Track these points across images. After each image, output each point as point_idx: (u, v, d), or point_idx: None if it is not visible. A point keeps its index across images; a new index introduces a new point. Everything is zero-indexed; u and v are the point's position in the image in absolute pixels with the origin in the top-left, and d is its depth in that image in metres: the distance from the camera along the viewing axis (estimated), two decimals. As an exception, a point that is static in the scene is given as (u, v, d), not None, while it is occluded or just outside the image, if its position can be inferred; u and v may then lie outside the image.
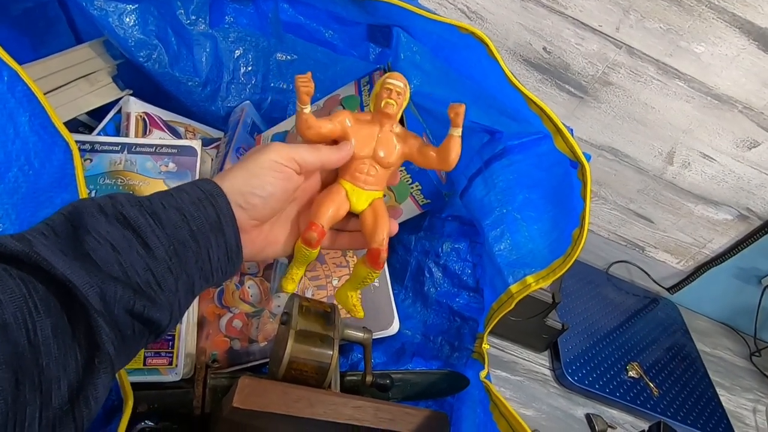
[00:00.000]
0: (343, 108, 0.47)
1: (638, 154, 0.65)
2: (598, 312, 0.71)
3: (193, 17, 0.50)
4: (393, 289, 0.57)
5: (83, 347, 0.20)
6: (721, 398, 0.68)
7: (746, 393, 0.72)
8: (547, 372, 0.60)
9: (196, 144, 0.41)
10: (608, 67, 0.58)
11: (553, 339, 0.59)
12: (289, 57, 0.56)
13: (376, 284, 0.47)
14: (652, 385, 0.61)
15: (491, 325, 0.43)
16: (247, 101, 0.57)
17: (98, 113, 0.49)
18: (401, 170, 0.48)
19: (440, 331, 0.53)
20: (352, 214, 0.33)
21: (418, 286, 0.56)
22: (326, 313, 0.39)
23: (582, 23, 0.55)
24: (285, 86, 0.58)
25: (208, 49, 0.53)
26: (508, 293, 0.40)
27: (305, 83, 0.30)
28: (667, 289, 0.79)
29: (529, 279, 0.39)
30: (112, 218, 0.23)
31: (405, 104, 0.32)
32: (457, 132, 0.31)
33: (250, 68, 0.56)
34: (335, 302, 0.37)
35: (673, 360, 0.68)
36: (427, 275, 0.55)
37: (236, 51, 0.55)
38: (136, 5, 0.46)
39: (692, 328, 0.79)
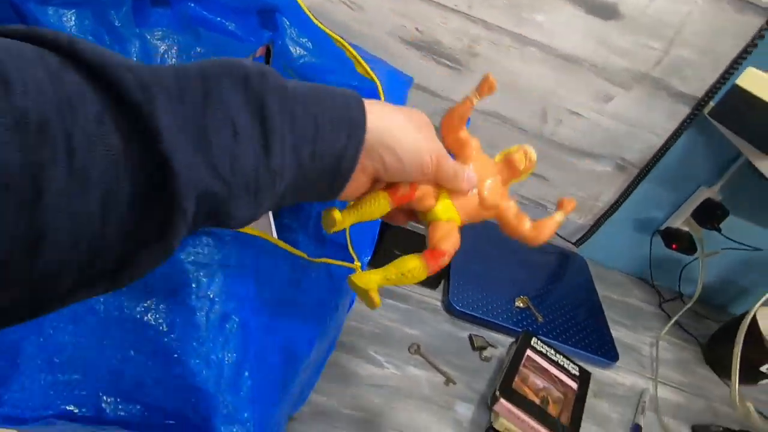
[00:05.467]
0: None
1: (518, 117, 0.75)
2: (502, 262, 0.78)
3: (123, 20, 0.64)
4: (297, 236, 0.66)
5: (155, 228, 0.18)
6: (618, 333, 0.74)
7: (648, 331, 0.77)
8: (438, 304, 0.67)
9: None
10: (472, 41, 0.70)
11: (441, 273, 0.67)
12: (204, 49, 0.69)
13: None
14: (537, 313, 0.68)
15: (348, 237, 0.52)
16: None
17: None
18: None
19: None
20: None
21: (318, 231, 0.65)
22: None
23: (441, 4, 0.67)
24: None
25: (137, 47, 0.66)
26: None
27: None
28: (573, 243, 0.86)
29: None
30: (251, 101, 0.20)
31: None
32: (560, 216, 0.34)
33: (174, 60, 0.69)
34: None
35: (565, 298, 0.74)
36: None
37: (161, 47, 0.68)
38: (74, 10, 0.59)
39: (605, 280, 0.85)
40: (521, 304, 0.69)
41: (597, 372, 0.66)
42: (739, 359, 0.56)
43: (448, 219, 0.31)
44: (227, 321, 0.32)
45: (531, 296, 0.71)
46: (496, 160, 0.34)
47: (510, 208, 0.33)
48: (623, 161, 0.77)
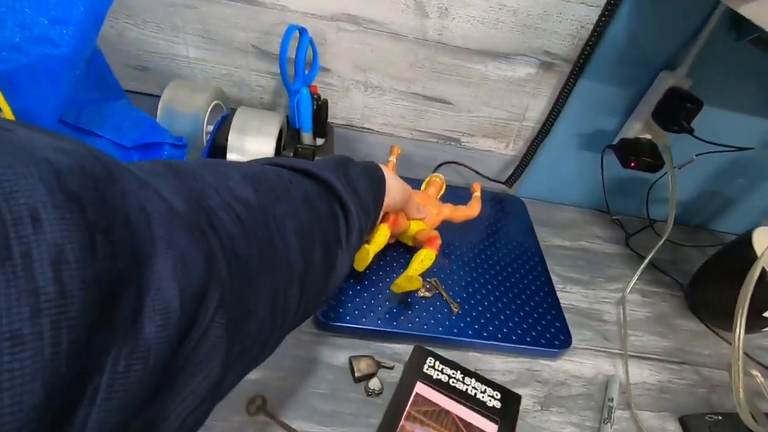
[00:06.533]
0: None
1: (383, 16, 0.50)
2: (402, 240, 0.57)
3: None
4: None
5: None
6: (571, 297, 0.54)
7: (613, 283, 0.58)
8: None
9: None
10: None
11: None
12: None
13: None
14: (451, 302, 0.47)
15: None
16: None
17: None
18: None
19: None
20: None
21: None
22: None
23: None
24: None
25: None
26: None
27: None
28: (504, 183, 0.64)
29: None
30: (361, 180, 0.35)
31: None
32: (477, 194, 0.56)
33: None
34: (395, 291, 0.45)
35: (496, 265, 0.53)
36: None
37: None
38: None
39: (550, 223, 0.64)
40: (426, 293, 0.48)
41: (542, 367, 0.46)
42: (742, 326, 0.37)
43: (420, 229, 0.50)
44: None
45: (443, 276, 0.50)
46: (423, 189, 0.55)
47: (446, 209, 0.53)
48: (548, 56, 0.53)
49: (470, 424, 0.33)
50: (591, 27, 0.50)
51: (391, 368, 0.43)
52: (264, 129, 0.47)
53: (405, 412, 0.33)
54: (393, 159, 0.55)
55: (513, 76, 0.55)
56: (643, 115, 0.56)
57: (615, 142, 0.59)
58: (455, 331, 0.45)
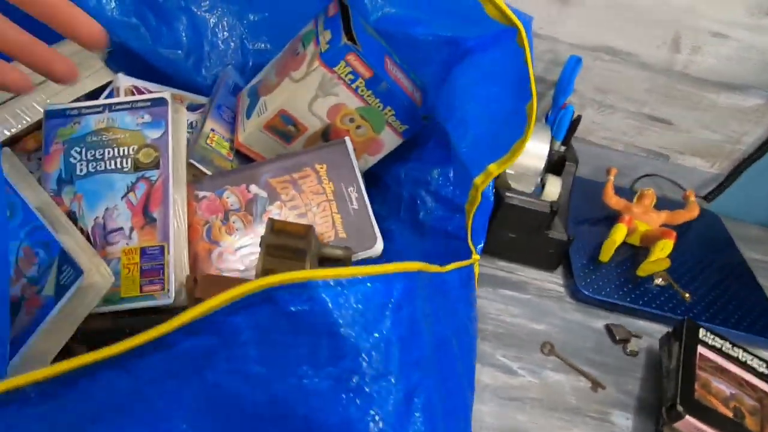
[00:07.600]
0: (303, 43, 0.49)
1: (639, 48, 0.60)
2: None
3: (167, -6, 0.54)
4: (389, 224, 0.58)
5: None
6: (776, 302, 0.62)
7: (810, 296, 0.64)
8: (561, 289, 0.57)
9: (167, 95, 0.44)
10: (583, -44, 0.54)
11: (561, 253, 0.56)
12: (258, 16, 0.59)
13: (355, 207, 0.48)
14: (681, 291, 0.57)
15: (469, 226, 0.42)
16: (230, 66, 0.60)
17: (95, 97, 0.54)
18: (370, 96, 0.49)
19: (438, 255, 0.53)
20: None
21: (413, 216, 0.56)
22: (300, 234, 0.40)
23: None
24: (263, 46, 0.61)
25: (185, 22, 0.56)
26: (474, 187, 0.39)
27: None
28: (704, 198, 0.72)
29: (491, 167, 0.38)
30: None
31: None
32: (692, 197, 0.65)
33: (227, 34, 0.59)
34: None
35: (708, 268, 0.62)
36: (420, 204, 0.55)
37: (211, 19, 0.58)
38: (114, -8, 0.50)
39: (741, 237, 0.71)
40: (661, 282, 0.58)
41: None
42: None
43: (646, 229, 0.62)
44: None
45: (668, 270, 0.60)
46: (636, 200, 0.64)
47: (663, 215, 0.63)
48: (782, 91, 0.61)
49: (747, 380, 0.43)
50: (833, 69, 0.57)
51: (640, 338, 0.53)
52: (541, 136, 0.59)
53: (696, 365, 0.43)
54: (611, 178, 0.63)
55: (742, 105, 0.63)
56: None
57: (826, 170, 0.65)
58: (691, 315, 0.55)
